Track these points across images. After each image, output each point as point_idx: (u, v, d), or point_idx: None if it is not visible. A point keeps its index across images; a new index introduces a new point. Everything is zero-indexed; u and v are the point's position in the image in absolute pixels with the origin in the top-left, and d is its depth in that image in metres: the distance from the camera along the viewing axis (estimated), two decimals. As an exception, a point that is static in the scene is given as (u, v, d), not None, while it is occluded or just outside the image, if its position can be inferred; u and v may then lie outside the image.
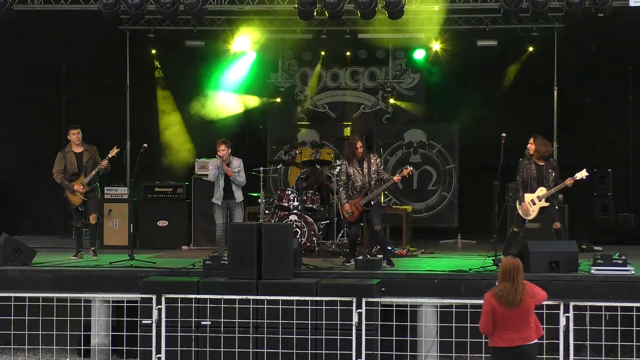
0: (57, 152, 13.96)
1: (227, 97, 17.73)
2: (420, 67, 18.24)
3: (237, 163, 13.44)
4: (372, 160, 13.18)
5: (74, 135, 13.77)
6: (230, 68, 17.80)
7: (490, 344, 8.31)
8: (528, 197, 12.73)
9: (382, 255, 13.07)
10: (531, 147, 12.89)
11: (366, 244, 14.77)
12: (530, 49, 17.25)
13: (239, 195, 13.41)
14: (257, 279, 11.62)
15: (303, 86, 18.70)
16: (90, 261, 13.36)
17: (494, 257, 12.66)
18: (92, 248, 13.87)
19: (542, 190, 12.73)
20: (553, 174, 12.82)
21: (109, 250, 14.89)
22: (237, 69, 17.88)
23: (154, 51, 17.90)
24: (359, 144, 13.09)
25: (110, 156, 13.66)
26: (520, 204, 12.78)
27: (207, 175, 15.71)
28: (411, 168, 13.42)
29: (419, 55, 17.81)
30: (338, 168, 14.03)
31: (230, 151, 13.40)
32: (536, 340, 8.25)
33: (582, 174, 12.70)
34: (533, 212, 12.76)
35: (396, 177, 13.21)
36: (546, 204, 12.74)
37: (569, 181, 12.66)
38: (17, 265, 12.81)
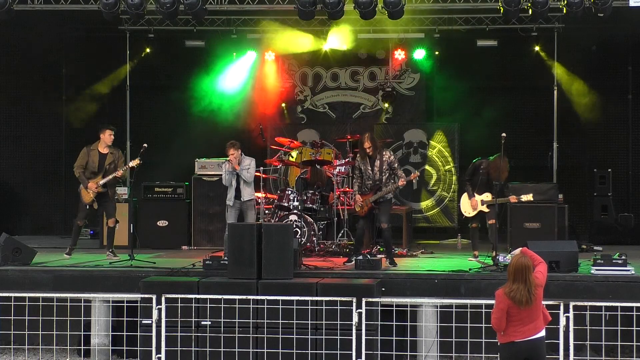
0: (56, 153, 13.99)
1: (227, 97, 17.73)
2: (420, 67, 18.26)
3: (247, 162, 13.39)
4: (385, 158, 13.13)
5: (110, 136, 13.72)
6: (230, 68, 17.83)
7: (503, 340, 8.31)
8: (478, 196, 13.28)
9: (384, 255, 13.09)
10: (499, 169, 13.19)
11: (367, 243, 14.76)
12: (531, 48, 17.25)
13: (246, 194, 13.30)
14: (257, 279, 11.62)
15: (303, 86, 18.70)
16: (90, 261, 13.37)
17: (493, 257, 12.67)
18: (110, 250, 13.83)
19: (487, 196, 13.22)
20: (497, 184, 13.21)
21: (109, 250, 14.89)
22: (237, 68, 17.90)
23: (153, 51, 17.89)
24: (366, 144, 13.13)
25: (129, 166, 13.70)
26: (469, 199, 13.31)
27: (207, 175, 15.80)
28: (417, 173, 13.60)
29: (419, 55, 17.84)
30: (355, 162, 14.13)
31: (240, 152, 13.37)
32: (543, 331, 8.31)
33: (529, 197, 13.20)
34: (472, 213, 13.36)
35: (401, 182, 13.24)
36: (487, 210, 13.28)
37: (512, 199, 13.24)
38: (17, 265, 12.81)
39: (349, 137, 16.34)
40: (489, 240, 13.14)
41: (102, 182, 13.62)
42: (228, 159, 13.28)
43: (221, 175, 13.58)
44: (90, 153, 13.74)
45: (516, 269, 8.24)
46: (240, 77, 17.88)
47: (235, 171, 13.21)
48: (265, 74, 18.16)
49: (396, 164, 13.23)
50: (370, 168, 13.09)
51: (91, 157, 13.72)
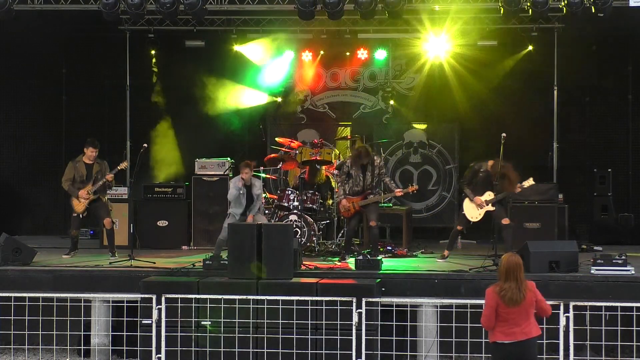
0: (56, 153, 14.06)
1: (227, 96, 17.72)
2: (421, 67, 18.24)
3: (258, 184, 13.72)
4: (375, 163, 13.33)
5: (92, 153, 13.93)
6: (230, 68, 17.82)
7: (492, 339, 8.35)
8: (479, 198, 13.18)
9: (383, 255, 13.13)
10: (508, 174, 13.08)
11: (366, 243, 14.78)
12: (530, 48, 17.25)
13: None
14: (257, 279, 11.62)
15: (303, 86, 18.66)
16: (90, 261, 13.38)
17: (494, 257, 12.66)
18: (111, 251, 13.94)
19: (489, 195, 13.12)
20: (494, 181, 13.10)
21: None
22: (237, 69, 17.89)
23: (153, 51, 17.89)
24: (363, 156, 13.31)
25: (119, 169, 13.89)
26: (472, 201, 13.17)
27: (207, 175, 15.82)
28: (416, 186, 13.84)
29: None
30: (342, 163, 14.16)
31: (252, 173, 13.67)
32: (536, 336, 8.30)
33: (530, 181, 13.02)
34: (480, 215, 13.22)
35: (398, 192, 13.46)
36: (493, 209, 13.12)
37: (517, 189, 13.02)
38: (17, 265, 12.81)
39: (349, 137, 16.33)
40: (503, 240, 13.06)
41: (93, 188, 13.81)
42: (240, 176, 13.47)
43: (221, 175, 13.60)
44: (76, 166, 13.98)
45: (507, 268, 8.27)
46: (241, 77, 17.85)
47: (244, 190, 13.34)
48: (265, 74, 18.13)
49: (383, 170, 13.61)
50: (362, 175, 13.25)
51: (78, 169, 13.94)
